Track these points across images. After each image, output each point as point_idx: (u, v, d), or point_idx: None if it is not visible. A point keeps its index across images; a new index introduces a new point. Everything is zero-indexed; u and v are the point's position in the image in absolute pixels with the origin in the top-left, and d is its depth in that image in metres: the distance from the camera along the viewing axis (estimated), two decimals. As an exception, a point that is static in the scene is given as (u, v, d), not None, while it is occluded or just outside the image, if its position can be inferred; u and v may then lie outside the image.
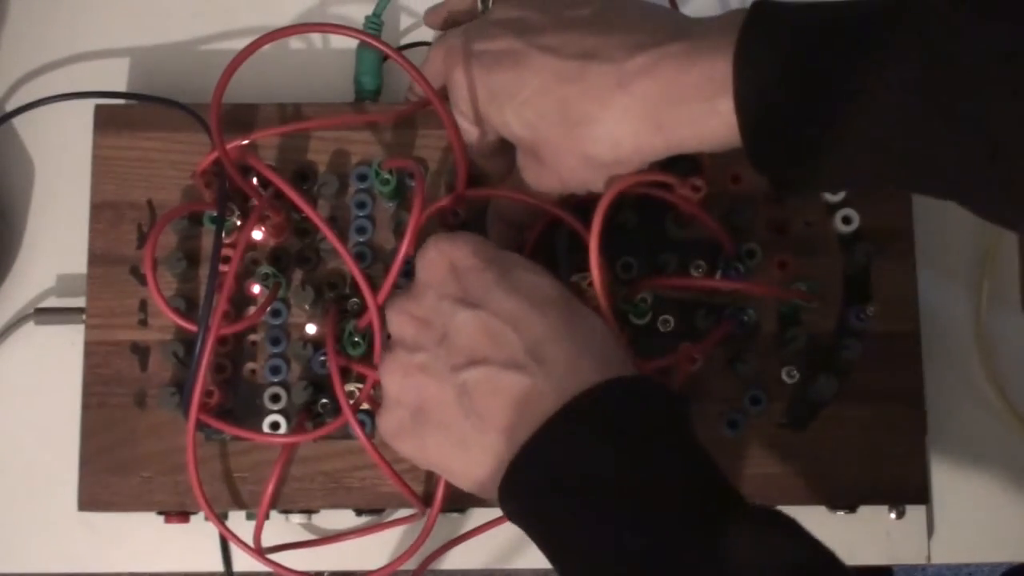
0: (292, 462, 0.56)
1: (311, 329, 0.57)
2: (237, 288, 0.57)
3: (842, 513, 0.58)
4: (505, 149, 0.55)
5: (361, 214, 0.58)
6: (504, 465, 0.45)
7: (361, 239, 0.57)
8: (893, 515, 0.59)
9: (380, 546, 0.59)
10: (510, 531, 0.58)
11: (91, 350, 0.57)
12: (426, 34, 0.64)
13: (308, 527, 0.60)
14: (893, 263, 0.58)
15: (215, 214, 0.54)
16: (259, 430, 0.56)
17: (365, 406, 0.55)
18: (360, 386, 0.54)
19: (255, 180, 0.56)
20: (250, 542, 0.55)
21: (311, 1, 0.66)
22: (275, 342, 0.57)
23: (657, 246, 0.57)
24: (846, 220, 0.58)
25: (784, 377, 0.56)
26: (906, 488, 0.57)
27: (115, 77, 0.64)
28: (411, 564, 0.56)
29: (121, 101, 0.60)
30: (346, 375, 0.55)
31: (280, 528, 0.58)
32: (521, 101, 0.50)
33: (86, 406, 0.57)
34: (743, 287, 0.56)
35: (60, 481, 0.59)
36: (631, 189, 0.51)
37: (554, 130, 0.50)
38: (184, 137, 0.58)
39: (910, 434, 0.57)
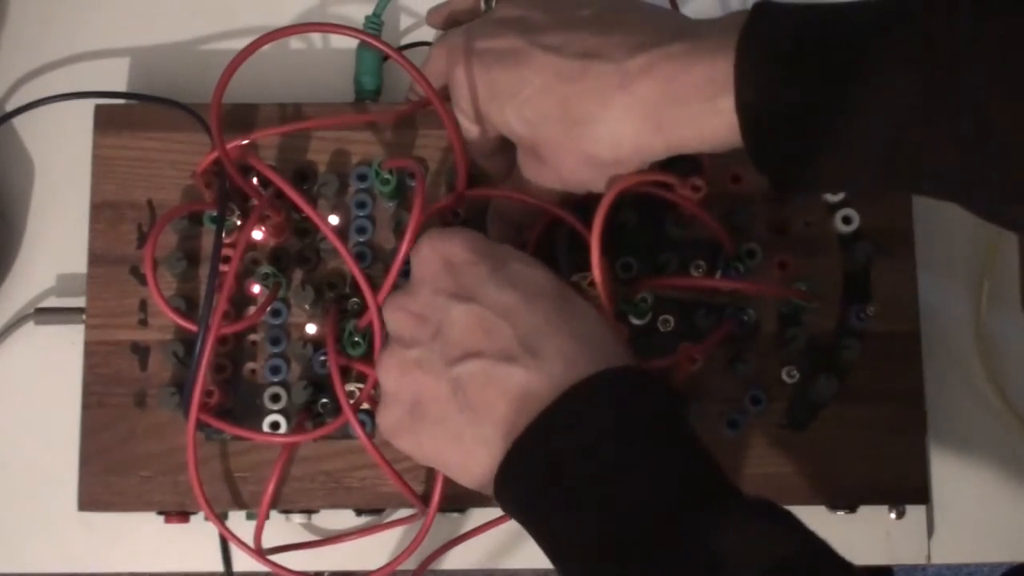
0: (292, 462, 0.56)
1: (311, 329, 0.57)
2: (237, 288, 0.57)
3: (842, 513, 0.58)
4: (505, 148, 0.55)
5: (361, 214, 0.58)
6: (499, 458, 0.45)
7: (361, 239, 0.57)
8: (893, 515, 0.59)
9: (380, 546, 0.59)
10: (510, 531, 0.58)
11: (91, 350, 0.57)
12: (426, 34, 0.64)
13: (308, 527, 0.60)
14: (893, 263, 0.58)
15: (215, 214, 0.54)
16: (259, 430, 0.56)
17: (365, 406, 0.55)
18: (360, 386, 0.54)
19: (255, 180, 0.56)
20: (250, 542, 0.55)
21: (311, 1, 0.66)
22: (275, 342, 0.57)
23: (657, 246, 0.57)
24: (846, 220, 0.58)
25: (784, 377, 0.56)
26: (906, 488, 0.57)
27: (115, 77, 0.64)
28: (411, 564, 0.56)
29: (121, 101, 0.60)
30: (346, 375, 0.55)
31: (280, 528, 0.58)
32: (522, 100, 0.50)
33: (86, 406, 0.57)
34: (743, 287, 0.56)
35: (60, 481, 0.59)
36: (631, 189, 0.51)
37: (555, 129, 0.50)
38: (184, 137, 0.58)
39: (910, 434, 0.57)
